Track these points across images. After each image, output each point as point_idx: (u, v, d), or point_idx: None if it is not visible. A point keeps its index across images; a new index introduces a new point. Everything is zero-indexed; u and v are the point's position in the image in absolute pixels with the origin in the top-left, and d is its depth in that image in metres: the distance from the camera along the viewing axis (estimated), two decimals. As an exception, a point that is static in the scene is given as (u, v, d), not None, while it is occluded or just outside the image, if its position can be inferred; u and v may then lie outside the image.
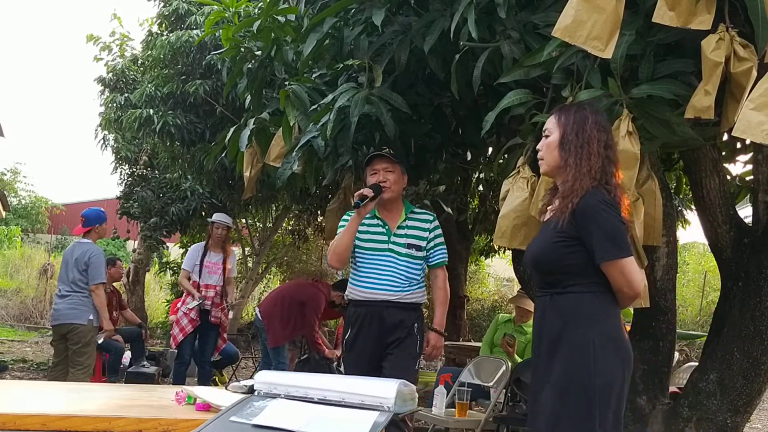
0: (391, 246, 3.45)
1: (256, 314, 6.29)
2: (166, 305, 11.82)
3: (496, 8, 2.66)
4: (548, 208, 2.39)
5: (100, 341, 5.60)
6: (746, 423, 3.26)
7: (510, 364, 4.76)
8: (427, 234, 3.50)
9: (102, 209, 5.63)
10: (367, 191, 3.36)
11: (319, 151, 3.52)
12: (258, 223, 12.64)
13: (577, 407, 2.16)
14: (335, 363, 6.07)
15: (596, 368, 2.15)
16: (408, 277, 3.43)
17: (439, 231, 3.56)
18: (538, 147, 2.42)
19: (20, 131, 56.25)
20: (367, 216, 3.46)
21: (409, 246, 3.45)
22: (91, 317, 5.27)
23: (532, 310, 5.37)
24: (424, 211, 3.65)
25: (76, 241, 5.55)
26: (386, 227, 3.48)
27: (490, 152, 4.64)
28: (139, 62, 8.52)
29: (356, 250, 3.49)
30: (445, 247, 3.58)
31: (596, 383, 2.14)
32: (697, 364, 3.49)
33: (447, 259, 3.59)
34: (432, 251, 3.52)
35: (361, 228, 3.46)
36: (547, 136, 2.36)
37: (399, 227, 3.47)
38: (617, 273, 2.19)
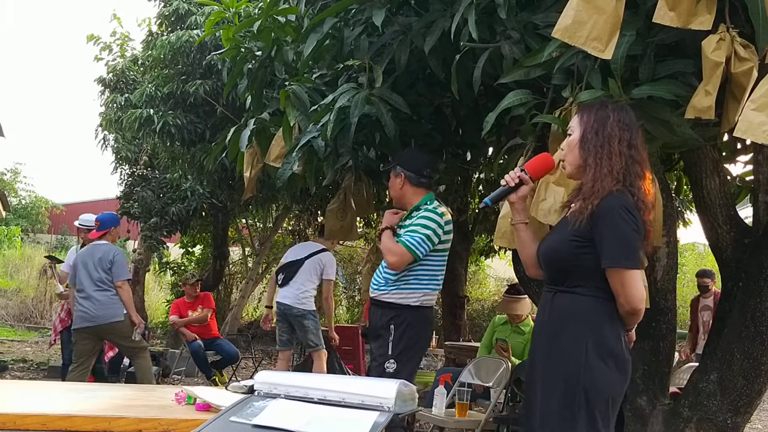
0: None
1: None
2: (166, 305, 11.80)
3: (496, 9, 2.65)
4: (570, 206, 2.32)
5: (137, 338, 5.63)
6: (746, 423, 3.26)
7: (510, 364, 4.75)
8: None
9: (116, 213, 5.77)
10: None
11: (319, 151, 3.51)
12: (258, 223, 12.66)
13: (561, 409, 2.14)
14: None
15: (585, 374, 2.12)
16: (384, 276, 3.39)
17: (418, 219, 3.30)
18: (561, 146, 2.36)
19: (20, 131, 56.35)
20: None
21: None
22: (125, 311, 5.48)
23: (523, 313, 5.37)
24: (430, 207, 3.38)
25: (93, 243, 5.65)
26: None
27: (490, 152, 4.63)
28: (140, 62, 8.53)
29: None
30: (416, 233, 3.25)
31: (583, 387, 2.12)
32: (697, 364, 3.49)
33: (410, 244, 3.24)
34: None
35: None
36: (569, 135, 2.30)
37: (400, 227, 3.41)
38: (617, 283, 2.13)
